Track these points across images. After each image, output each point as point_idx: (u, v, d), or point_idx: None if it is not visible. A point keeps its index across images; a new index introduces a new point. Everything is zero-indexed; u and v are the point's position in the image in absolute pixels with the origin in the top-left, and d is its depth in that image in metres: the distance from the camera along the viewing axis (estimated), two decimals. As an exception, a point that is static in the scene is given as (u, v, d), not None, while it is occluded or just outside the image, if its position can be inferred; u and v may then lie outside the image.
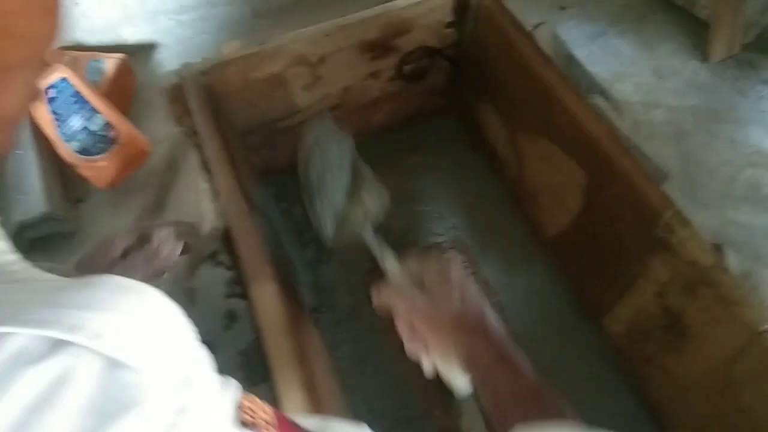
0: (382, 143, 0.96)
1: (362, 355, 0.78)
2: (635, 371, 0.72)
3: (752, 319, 0.55)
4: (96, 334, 0.22)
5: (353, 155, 0.72)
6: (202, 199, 0.70)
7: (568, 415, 0.48)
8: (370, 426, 0.73)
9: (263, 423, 0.27)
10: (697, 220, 0.64)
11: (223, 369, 0.80)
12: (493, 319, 0.60)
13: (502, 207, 0.90)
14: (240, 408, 0.27)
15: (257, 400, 0.28)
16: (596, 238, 0.73)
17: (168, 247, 0.63)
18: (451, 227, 0.89)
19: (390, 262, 0.71)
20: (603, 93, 1.05)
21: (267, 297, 0.58)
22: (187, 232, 0.65)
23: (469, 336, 0.59)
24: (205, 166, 0.69)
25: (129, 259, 0.62)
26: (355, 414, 0.73)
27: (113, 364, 0.22)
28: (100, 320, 0.22)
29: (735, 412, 0.59)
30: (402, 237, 0.88)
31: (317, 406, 0.54)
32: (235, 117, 0.83)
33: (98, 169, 0.98)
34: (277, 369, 0.54)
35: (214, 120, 0.72)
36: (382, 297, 0.67)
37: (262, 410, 0.28)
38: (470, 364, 0.58)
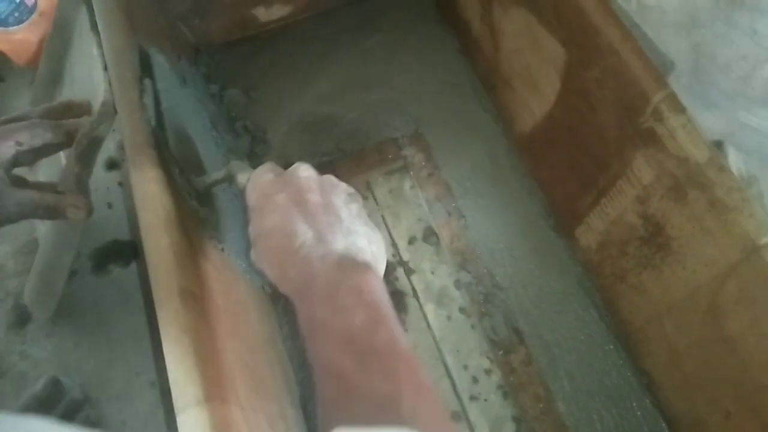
0: (336, 19, 0.81)
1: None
2: (606, 289, 0.62)
3: (750, 230, 0.43)
4: None
5: None
6: (94, 68, 0.58)
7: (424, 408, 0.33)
8: (297, 344, 0.64)
9: None
10: (703, 122, 0.52)
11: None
12: (322, 259, 0.40)
13: (472, 99, 0.76)
14: None
15: None
16: (573, 133, 0.60)
17: (78, 208, 0.51)
18: (411, 120, 0.76)
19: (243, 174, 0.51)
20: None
21: (147, 184, 0.46)
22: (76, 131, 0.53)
23: (285, 283, 0.42)
24: (94, 26, 0.56)
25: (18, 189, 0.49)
26: (279, 329, 0.64)
27: None
28: None
29: (717, 342, 0.49)
30: (353, 131, 0.76)
31: (201, 312, 0.44)
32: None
33: (16, 43, 0.85)
34: (152, 269, 0.43)
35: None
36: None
37: None
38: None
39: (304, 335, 0.39)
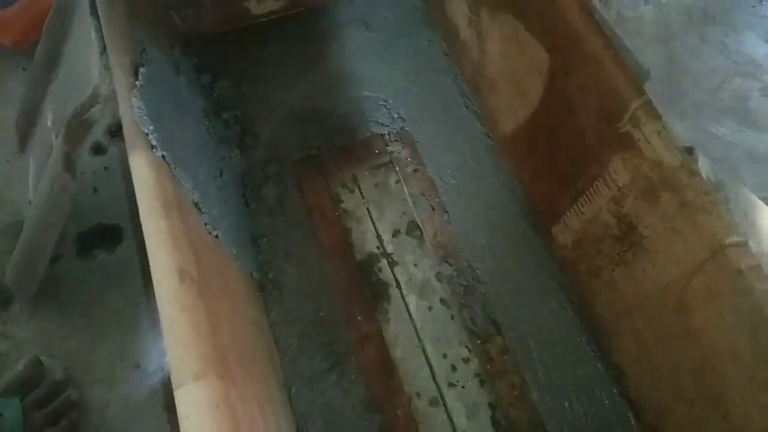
0: (328, 17, 0.83)
1: (285, 251, 0.70)
2: (580, 285, 0.65)
3: (717, 230, 0.47)
4: None
5: None
6: (90, 53, 0.58)
7: None
8: (283, 330, 0.66)
9: None
10: (674, 130, 0.55)
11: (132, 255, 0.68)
12: None
13: (457, 100, 0.79)
14: None
15: None
16: (554, 135, 0.63)
17: None
18: (398, 117, 0.78)
19: None
20: (588, -21, 0.93)
21: (146, 169, 0.48)
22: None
23: None
24: (94, 12, 0.57)
25: None
26: (267, 314, 0.65)
27: None
28: None
29: (683, 334, 0.52)
30: (341, 126, 0.77)
31: (197, 293, 0.46)
32: (147, -36, 0.69)
33: (3, 24, 0.85)
34: (151, 251, 0.45)
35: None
36: None
37: None
38: None
39: None
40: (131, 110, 0.50)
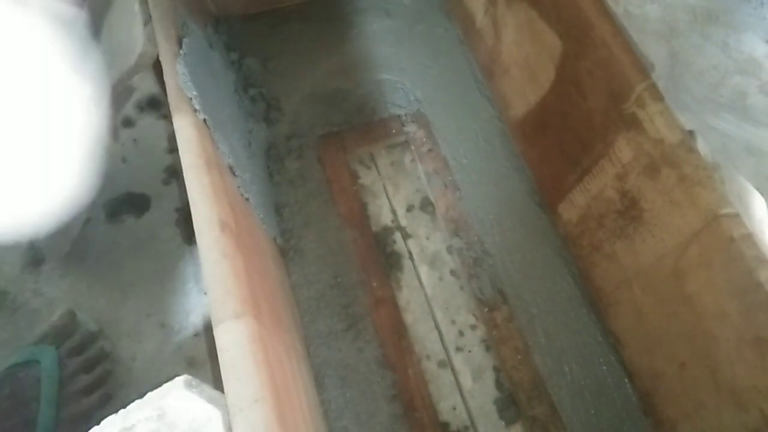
0: (351, 2, 0.87)
1: (305, 220, 0.74)
2: (583, 259, 0.69)
3: (712, 201, 0.51)
4: None
5: None
6: (134, 23, 0.63)
7: None
8: (303, 292, 0.70)
9: None
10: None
11: (158, 223, 0.74)
12: None
13: (471, 84, 0.83)
14: None
15: None
16: (564, 117, 0.67)
17: None
18: (414, 100, 0.82)
19: None
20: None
21: (188, 129, 0.52)
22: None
23: None
24: (139, -15, 0.61)
25: None
26: (288, 277, 0.70)
27: None
28: None
29: (678, 300, 0.56)
30: (360, 106, 0.82)
31: (236, 244, 0.50)
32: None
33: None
34: (193, 203, 0.49)
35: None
36: None
37: None
38: None
39: None
40: (176, 76, 0.54)
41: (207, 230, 0.48)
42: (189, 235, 0.78)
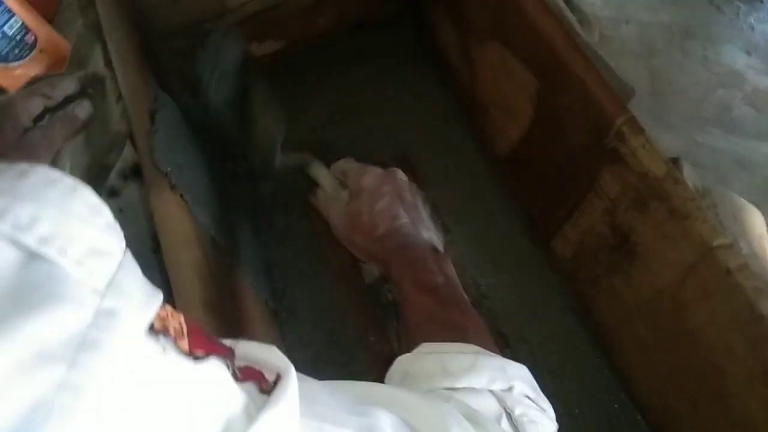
0: (326, 52, 0.87)
1: (296, 278, 0.73)
2: (581, 294, 0.68)
3: (704, 234, 0.50)
4: (17, 223, 0.19)
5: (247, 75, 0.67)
6: (107, 102, 0.62)
7: (484, 344, 0.44)
8: (298, 353, 0.69)
9: (173, 331, 0.23)
10: (662, 142, 0.59)
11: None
12: (415, 237, 0.58)
13: (453, 124, 0.83)
14: (155, 316, 0.22)
15: (171, 309, 0.23)
16: (546, 153, 0.67)
17: (84, 107, 0.54)
18: (398, 144, 0.82)
19: (319, 171, 0.67)
20: (569, 4, 0.97)
21: (166, 206, 0.51)
22: (92, 81, 0.57)
23: (382, 249, 0.56)
24: (108, 63, 0.61)
25: (46, 124, 0.52)
26: (282, 340, 0.68)
27: (32, 257, 0.19)
28: (24, 209, 0.20)
29: (682, 335, 0.54)
30: (345, 153, 0.81)
31: (225, 327, 0.49)
32: (154, 14, 0.74)
33: (16, 78, 0.90)
34: (174, 284, 0.48)
35: (120, 10, 0.63)
36: (318, 203, 0.68)
37: (176, 318, 0.23)
38: (390, 280, 0.55)
39: (395, 282, 0.56)
40: (149, 152, 0.54)
41: (188, 313, 0.47)
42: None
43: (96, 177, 0.61)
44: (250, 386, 0.23)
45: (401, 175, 0.67)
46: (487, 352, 0.42)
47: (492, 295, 0.71)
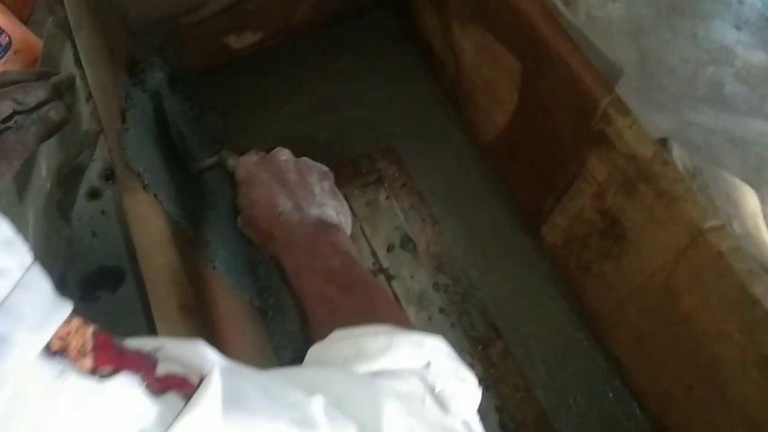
0: (307, 44, 0.85)
1: (282, 276, 0.71)
2: (573, 281, 0.67)
3: (694, 216, 0.48)
4: None
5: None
6: (78, 101, 0.61)
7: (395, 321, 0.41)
8: (287, 351, 0.67)
9: (74, 350, 0.21)
10: (653, 122, 0.57)
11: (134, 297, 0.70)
12: (302, 223, 0.50)
13: (438, 112, 0.81)
14: (54, 336, 0.21)
15: (78, 322, 0.22)
16: (533, 139, 0.65)
17: (58, 109, 0.52)
18: (383, 135, 0.80)
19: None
20: (554, -16, 0.95)
21: (140, 208, 0.49)
22: (68, 85, 0.55)
23: (272, 244, 0.51)
24: (77, 61, 0.59)
25: (20, 126, 0.50)
26: (270, 338, 0.67)
27: None
28: None
29: (675, 320, 0.53)
30: (328, 147, 0.79)
31: (201, 328, 0.47)
32: (127, 9, 0.72)
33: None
34: (150, 287, 0.46)
35: (88, 6, 0.61)
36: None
37: (81, 335, 0.21)
38: (286, 277, 0.50)
39: (291, 278, 0.49)
40: (121, 152, 0.52)
41: (165, 316, 0.45)
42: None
43: (68, 177, 0.59)
44: (172, 395, 0.22)
45: (284, 153, 0.58)
46: (402, 329, 0.39)
47: (483, 286, 0.70)
